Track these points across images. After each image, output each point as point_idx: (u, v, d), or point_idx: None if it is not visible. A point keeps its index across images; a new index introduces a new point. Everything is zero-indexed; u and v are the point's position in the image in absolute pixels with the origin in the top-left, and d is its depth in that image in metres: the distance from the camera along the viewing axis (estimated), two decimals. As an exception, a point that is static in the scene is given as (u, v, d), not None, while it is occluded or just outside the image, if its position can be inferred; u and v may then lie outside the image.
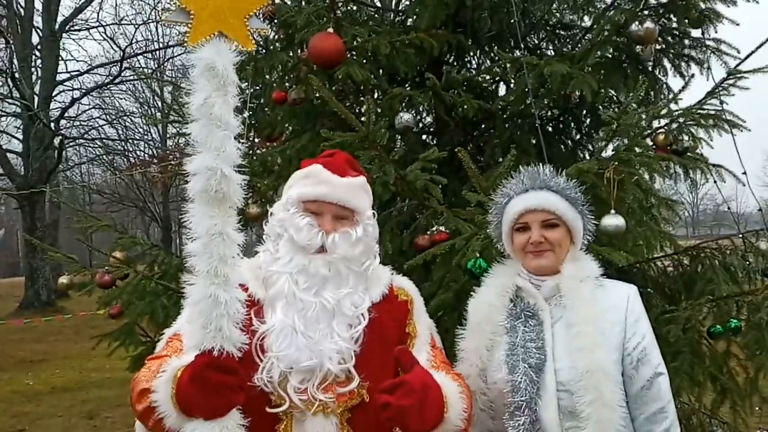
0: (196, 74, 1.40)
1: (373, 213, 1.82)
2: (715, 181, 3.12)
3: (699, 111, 3.01)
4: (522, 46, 3.42)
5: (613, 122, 2.40)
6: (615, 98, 3.56)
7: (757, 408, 3.03)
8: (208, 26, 1.41)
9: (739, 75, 3.02)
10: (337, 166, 1.77)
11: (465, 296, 2.40)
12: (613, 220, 2.29)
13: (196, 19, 1.41)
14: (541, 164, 1.97)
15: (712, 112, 2.99)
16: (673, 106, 3.26)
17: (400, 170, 2.64)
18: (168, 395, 1.46)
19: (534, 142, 3.33)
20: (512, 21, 3.03)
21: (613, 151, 2.69)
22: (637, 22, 2.95)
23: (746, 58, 3.04)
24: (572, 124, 3.69)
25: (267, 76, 3.59)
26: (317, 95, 3.40)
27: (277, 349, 1.60)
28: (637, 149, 2.51)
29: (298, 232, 1.68)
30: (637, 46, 3.10)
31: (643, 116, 2.73)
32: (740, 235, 2.97)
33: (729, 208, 3.14)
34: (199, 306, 1.43)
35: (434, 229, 2.65)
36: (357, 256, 1.71)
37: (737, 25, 3.33)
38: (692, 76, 3.35)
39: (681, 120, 3.03)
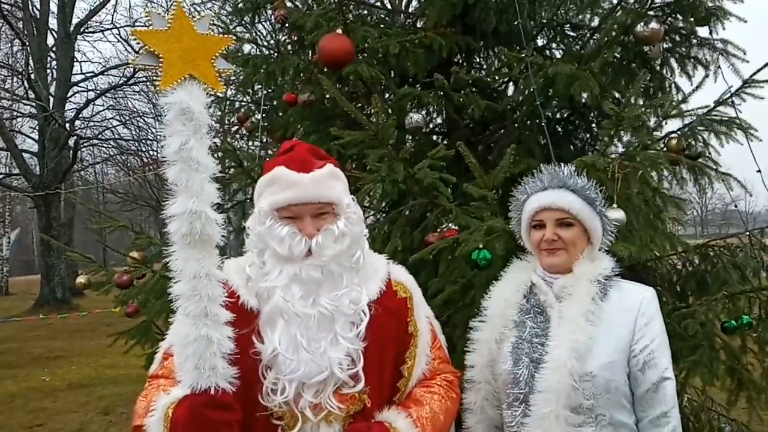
0: (170, 118, 1.40)
1: (353, 198, 1.75)
2: (727, 187, 3.13)
3: (712, 117, 3.01)
4: (529, 45, 3.43)
5: (614, 115, 2.42)
6: (622, 98, 3.58)
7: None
8: (178, 69, 1.40)
9: (752, 83, 3.00)
10: (300, 161, 1.69)
11: (470, 290, 2.44)
12: (614, 214, 2.28)
13: (166, 62, 1.39)
14: (552, 164, 1.99)
15: (725, 119, 3.00)
16: (683, 108, 3.26)
17: (409, 168, 2.67)
18: None
19: (543, 142, 3.35)
20: (516, 22, 3.05)
21: (623, 147, 2.71)
22: (642, 23, 2.96)
23: (763, 67, 2.99)
24: (581, 125, 3.71)
25: (279, 79, 3.64)
26: (328, 96, 3.45)
27: (286, 369, 1.57)
28: (642, 145, 2.52)
29: (281, 243, 1.63)
30: (645, 47, 3.11)
31: (648, 110, 2.73)
32: (747, 233, 2.98)
33: (737, 206, 3.15)
34: (191, 347, 1.43)
35: (444, 226, 2.68)
36: (345, 250, 1.66)
37: (745, 22, 3.32)
38: (706, 76, 3.34)
39: (694, 125, 3.04)
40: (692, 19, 3.23)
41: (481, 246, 2.38)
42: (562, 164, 1.97)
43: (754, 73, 3.02)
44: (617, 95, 3.33)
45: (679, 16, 3.23)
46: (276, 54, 3.64)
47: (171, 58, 1.40)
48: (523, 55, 2.98)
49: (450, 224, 2.68)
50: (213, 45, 1.45)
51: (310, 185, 1.65)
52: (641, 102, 3.31)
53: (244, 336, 1.55)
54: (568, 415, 1.71)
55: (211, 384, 1.44)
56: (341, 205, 1.70)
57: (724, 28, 3.31)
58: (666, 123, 3.24)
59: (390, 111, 3.30)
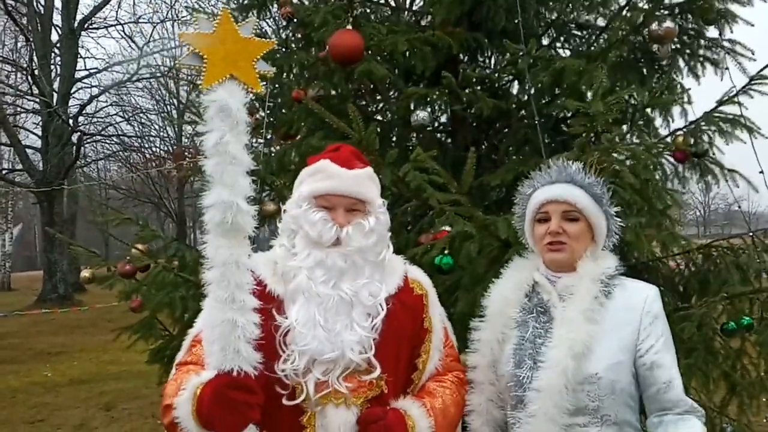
0: (210, 115, 1.49)
1: (383, 201, 1.86)
2: (730, 187, 3.14)
3: (718, 115, 3.01)
4: (536, 43, 3.44)
5: (584, 110, 2.42)
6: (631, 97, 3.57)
7: (765, 399, 3.03)
8: (220, 69, 1.50)
9: (760, 80, 3.00)
10: (344, 159, 1.82)
11: (456, 291, 2.46)
12: None
13: (209, 63, 1.49)
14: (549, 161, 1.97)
15: (731, 117, 3.00)
16: (690, 106, 3.27)
17: (396, 172, 2.67)
18: (189, 412, 1.55)
19: (548, 140, 3.35)
20: (517, 21, 3.05)
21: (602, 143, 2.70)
22: (657, 21, 2.96)
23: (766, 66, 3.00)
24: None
25: (285, 75, 3.65)
26: (333, 93, 3.46)
27: (300, 342, 1.65)
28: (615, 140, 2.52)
29: (313, 227, 1.73)
30: (654, 45, 3.12)
31: (632, 102, 2.70)
32: (751, 234, 2.98)
33: (740, 207, 3.16)
34: (218, 330, 1.51)
35: (436, 228, 2.69)
36: (371, 246, 1.76)
37: (752, 25, 3.34)
38: (728, 67, 3.33)
39: (700, 123, 3.04)
40: (702, 20, 3.24)
41: (446, 251, 2.44)
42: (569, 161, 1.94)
43: (762, 69, 3.01)
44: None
45: (689, 16, 3.24)
46: (284, 49, 3.65)
47: (214, 59, 1.50)
48: (528, 48, 2.98)
49: (441, 226, 2.68)
50: (255, 48, 1.55)
51: (349, 180, 1.78)
52: (641, 99, 3.31)
53: (267, 311, 1.64)
54: (558, 414, 1.68)
55: (234, 366, 1.51)
56: (373, 205, 1.81)
57: (732, 31, 3.33)
58: (684, 117, 3.23)
59: (396, 108, 3.31)
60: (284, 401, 1.65)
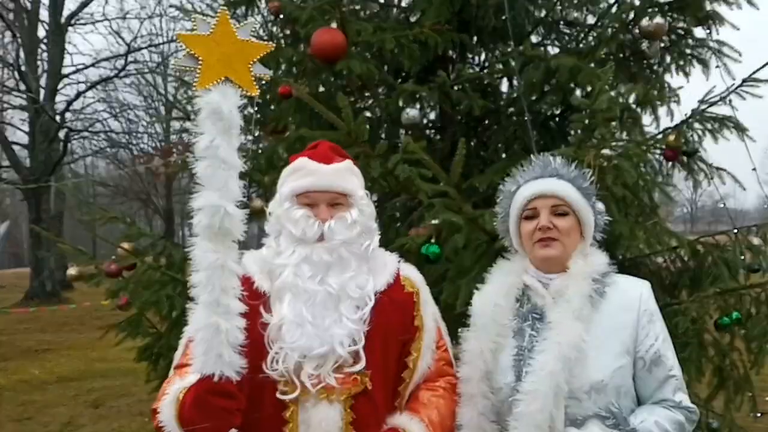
0: (202, 117, 1.47)
1: (366, 193, 1.86)
2: (716, 185, 3.17)
3: (708, 114, 3.03)
4: (526, 41, 3.44)
5: (584, 108, 2.41)
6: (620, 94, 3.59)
7: (748, 394, 3.06)
8: (215, 72, 1.48)
9: (752, 83, 3.00)
10: (322, 154, 1.83)
11: (440, 284, 2.44)
12: None
13: (205, 64, 1.47)
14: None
15: (720, 117, 3.01)
16: (678, 106, 3.30)
17: (386, 165, 2.66)
18: (172, 416, 1.56)
19: (537, 138, 3.37)
20: (506, 17, 3.06)
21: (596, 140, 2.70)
22: (647, 18, 2.98)
23: (762, 66, 2.99)
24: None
25: (272, 71, 3.63)
26: (321, 90, 3.45)
27: (289, 339, 1.65)
28: (613, 136, 2.52)
29: (295, 225, 1.73)
30: (644, 43, 3.13)
31: (620, 101, 2.72)
32: (735, 231, 3.01)
33: (725, 204, 3.19)
34: (201, 333, 1.50)
35: (425, 222, 2.69)
36: (356, 237, 1.76)
37: (737, 29, 3.37)
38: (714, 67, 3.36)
39: (691, 121, 3.06)
40: (692, 19, 3.26)
41: (432, 240, 2.41)
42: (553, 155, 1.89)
43: (755, 72, 3.01)
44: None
45: (679, 15, 3.26)
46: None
47: (210, 61, 1.48)
48: (521, 48, 2.98)
49: (432, 220, 2.67)
50: (252, 50, 1.52)
51: (328, 175, 1.78)
52: (633, 97, 3.32)
53: (254, 308, 1.63)
54: (544, 419, 1.62)
55: (215, 371, 1.49)
56: (355, 197, 1.80)
57: (718, 33, 3.35)
58: (670, 116, 3.26)
59: (386, 105, 3.30)
60: (278, 395, 1.65)
